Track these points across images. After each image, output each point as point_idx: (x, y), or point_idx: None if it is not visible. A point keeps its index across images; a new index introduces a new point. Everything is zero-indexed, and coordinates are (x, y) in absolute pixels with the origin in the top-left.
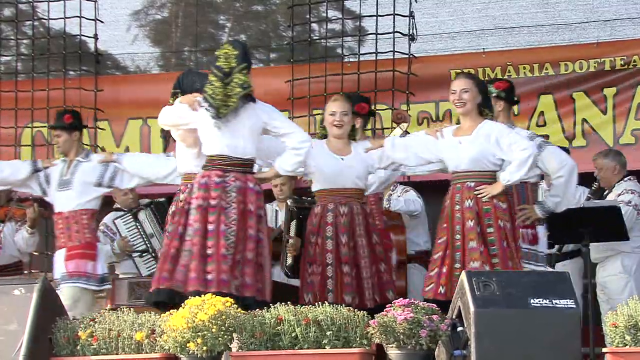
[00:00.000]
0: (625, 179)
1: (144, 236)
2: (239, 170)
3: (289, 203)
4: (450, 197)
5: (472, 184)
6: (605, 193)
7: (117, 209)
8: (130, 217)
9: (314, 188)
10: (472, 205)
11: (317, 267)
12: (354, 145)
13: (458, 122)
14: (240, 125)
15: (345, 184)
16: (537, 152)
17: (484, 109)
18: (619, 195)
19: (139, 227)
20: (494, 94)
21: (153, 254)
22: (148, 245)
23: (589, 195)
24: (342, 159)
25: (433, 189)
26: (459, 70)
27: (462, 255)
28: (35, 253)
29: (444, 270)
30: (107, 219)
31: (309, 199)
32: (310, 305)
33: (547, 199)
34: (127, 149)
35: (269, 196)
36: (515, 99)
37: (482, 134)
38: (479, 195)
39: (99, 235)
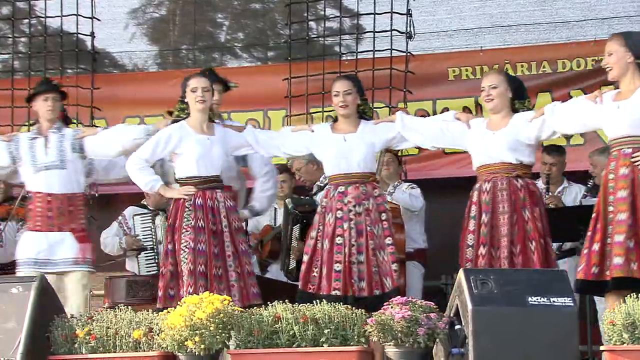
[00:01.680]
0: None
1: (154, 240)
2: None
3: (287, 203)
4: (606, 166)
5: (629, 150)
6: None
7: (142, 206)
8: (150, 217)
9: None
10: (627, 173)
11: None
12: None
13: (617, 88)
14: None
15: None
16: None
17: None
18: None
19: (153, 229)
20: None
21: (156, 258)
22: (155, 249)
23: (585, 192)
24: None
25: (432, 188)
26: (456, 69)
27: (614, 227)
28: None
29: (595, 247)
30: (128, 212)
31: (307, 198)
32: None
33: None
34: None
35: None
36: None
37: None
38: (635, 162)
39: (114, 225)
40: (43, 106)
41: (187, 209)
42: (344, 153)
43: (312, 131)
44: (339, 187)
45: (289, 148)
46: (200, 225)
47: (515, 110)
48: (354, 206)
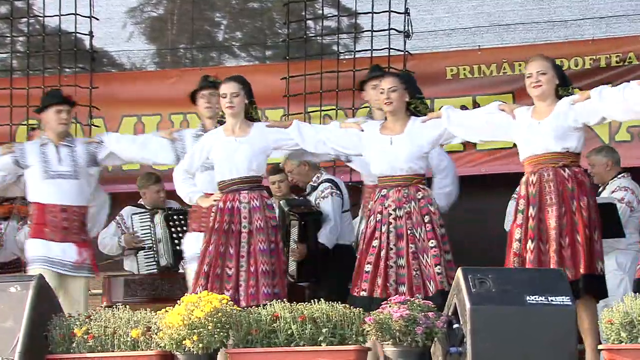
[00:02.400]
0: (619, 175)
1: (152, 239)
2: None
3: (281, 205)
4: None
5: None
6: (599, 190)
7: (139, 205)
8: (148, 216)
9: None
10: None
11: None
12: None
13: None
14: None
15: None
16: None
17: None
18: (613, 192)
19: (152, 228)
20: None
21: (155, 257)
22: (154, 248)
23: None
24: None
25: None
26: (454, 68)
27: None
28: None
29: None
30: (126, 212)
31: (302, 199)
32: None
33: None
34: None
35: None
36: None
37: None
38: None
39: (112, 225)
40: (55, 119)
41: (212, 214)
42: (389, 157)
43: (362, 130)
44: (382, 190)
45: (336, 144)
46: (216, 227)
47: (559, 97)
48: (394, 210)
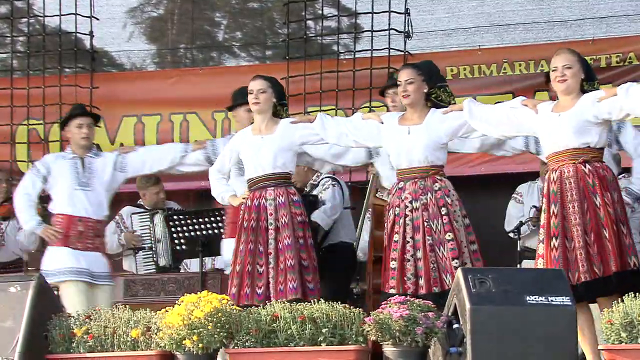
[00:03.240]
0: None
1: (152, 239)
2: None
3: None
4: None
5: None
6: None
7: (138, 205)
8: (148, 216)
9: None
10: None
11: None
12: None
13: None
14: None
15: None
16: None
17: None
18: None
19: (151, 228)
20: None
21: (154, 257)
22: (154, 248)
23: None
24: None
25: None
26: (454, 68)
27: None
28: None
29: None
30: (125, 211)
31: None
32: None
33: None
34: (120, 146)
35: None
36: None
37: None
38: None
39: (111, 224)
40: (77, 133)
41: (241, 212)
42: (406, 148)
43: (382, 122)
44: (400, 182)
45: (357, 136)
46: (245, 225)
47: (583, 92)
48: (411, 202)
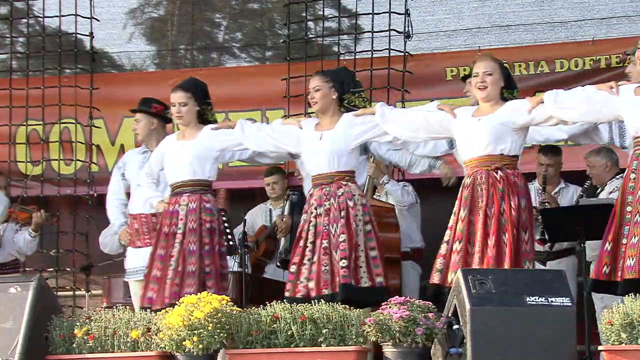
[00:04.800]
0: (618, 176)
1: None
2: None
3: (292, 199)
4: (628, 166)
5: None
6: (597, 191)
7: None
8: None
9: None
10: None
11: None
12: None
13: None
14: None
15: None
16: None
17: None
18: (611, 193)
19: None
20: None
21: None
22: None
23: (581, 193)
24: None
25: (429, 188)
26: (454, 69)
27: (630, 229)
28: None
29: (608, 247)
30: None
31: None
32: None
33: None
34: (121, 147)
35: (262, 195)
36: None
37: None
38: None
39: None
40: (134, 126)
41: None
42: (315, 154)
43: (301, 128)
44: (311, 189)
45: (277, 140)
46: (163, 230)
47: (504, 100)
48: (316, 208)
